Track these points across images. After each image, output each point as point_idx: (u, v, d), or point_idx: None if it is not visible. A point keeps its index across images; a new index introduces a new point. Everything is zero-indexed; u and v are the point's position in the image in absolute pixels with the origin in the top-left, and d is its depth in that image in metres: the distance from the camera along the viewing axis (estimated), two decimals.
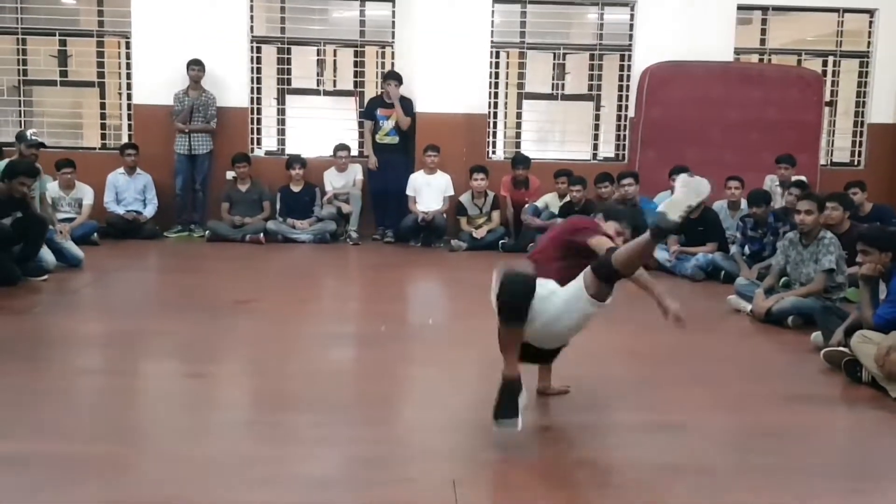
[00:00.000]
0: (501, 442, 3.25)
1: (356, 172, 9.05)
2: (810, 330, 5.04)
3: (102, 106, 9.53)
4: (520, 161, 8.86)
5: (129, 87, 9.36)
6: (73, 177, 8.29)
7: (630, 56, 9.44)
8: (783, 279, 5.78)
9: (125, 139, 9.34)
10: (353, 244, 8.66)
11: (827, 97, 9.51)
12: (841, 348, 4.38)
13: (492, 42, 9.31)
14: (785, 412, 3.82)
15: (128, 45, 9.27)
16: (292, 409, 3.65)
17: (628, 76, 9.45)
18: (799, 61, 9.76)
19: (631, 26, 9.45)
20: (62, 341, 4.80)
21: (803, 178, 8.14)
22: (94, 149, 9.51)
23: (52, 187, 8.12)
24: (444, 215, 8.74)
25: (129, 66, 9.30)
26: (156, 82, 9.01)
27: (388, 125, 8.92)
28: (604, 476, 2.99)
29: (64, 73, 9.46)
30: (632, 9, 9.40)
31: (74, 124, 10.43)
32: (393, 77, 8.89)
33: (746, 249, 6.86)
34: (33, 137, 7.32)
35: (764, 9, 9.54)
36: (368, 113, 9.03)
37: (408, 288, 7.24)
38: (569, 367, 4.02)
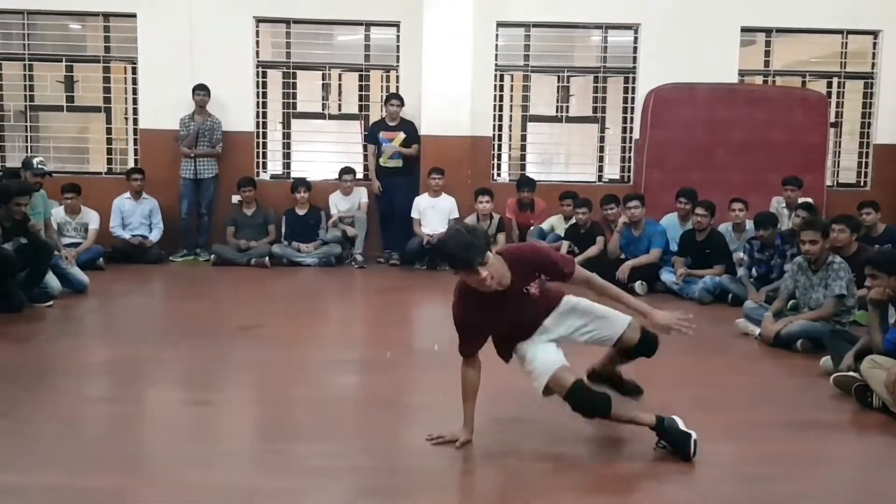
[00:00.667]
0: (510, 473, 3.22)
1: (361, 196, 9.06)
2: (819, 354, 4.99)
3: (109, 131, 9.57)
4: (525, 183, 8.85)
5: (135, 111, 9.41)
6: (78, 202, 8.30)
7: (634, 78, 9.46)
8: (791, 302, 5.74)
9: (131, 164, 9.38)
10: (358, 267, 8.65)
11: (832, 118, 9.50)
12: (851, 373, 4.33)
13: (496, 65, 9.34)
14: (794, 438, 3.77)
15: (134, 71, 9.33)
16: (297, 438, 3.62)
17: (633, 98, 9.47)
18: (803, 83, 9.76)
19: (635, 48, 9.47)
20: (66, 369, 4.79)
21: (810, 199, 8.13)
22: (101, 173, 9.55)
23: (57, 212, 8.14)
24: None
25: (135, 91, 9.36)
26: (162, 107, 9.06)
27: (390, 148, 8.94)
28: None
29: (70, 99, 9.52)
30: (635, 31, 9.43)
31: (80, 149, 10.47)
32: (395, 98, 8.95)
33: (754, 272, 6.81)
34: (40, 166, 7.35)
35: (768, 30, 9.56)
36: (371, 137, 9.06)
37: (413, 312, 7.21)
38: None
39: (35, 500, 2.90)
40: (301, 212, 8.92)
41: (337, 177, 9.06)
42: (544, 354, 3.46)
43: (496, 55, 9.32)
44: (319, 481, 3.16)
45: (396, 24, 9.34)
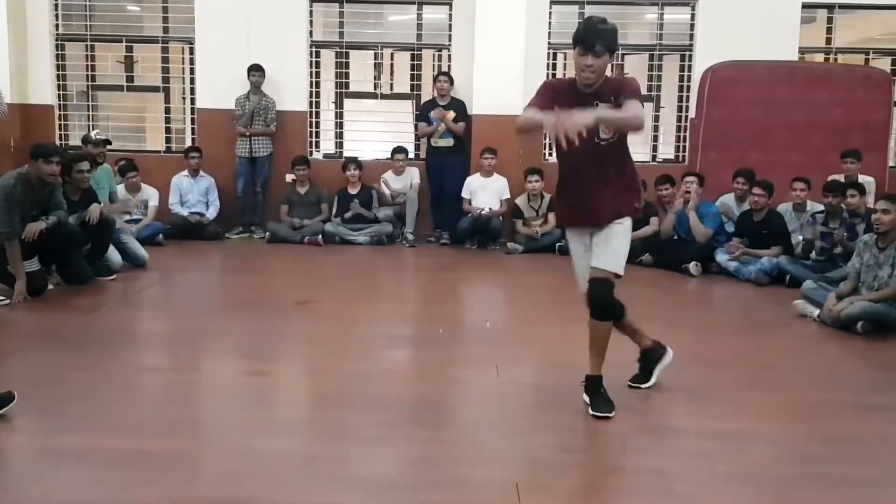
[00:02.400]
0: (563, 445, 3.24)
1: (413, 175, 9.10)
2: (881, 336, 4.88)
3: (167, 110, 9.77)
4: None
5: (192, 91, 9.58)
6: (138, 180, 8.50)
7: (691, 56, 9.29)
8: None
9: (188, 143, 9.57)
10: (409, 246, 8.70)
11: None
12: None
13: (549, 43, 9.26)
14: (852, 420, 3.70)
15: (191, 51, 9.49)
16: (352, 408, 3.67)
17: (689, 77, 9.30)
18: (866, 60, 9.48)
19: (692, 26, 9.30)
20: (129, 339, 4.94)
21: (871, 178, 7.92)
22: (159, 152, 9.76)
23: (118, 190, 8.34)
24: (501, 218, 8.72)
25: (192, 71, 9.52)
26: (218, 87, 9.21)
27: (442, 128, 8.94)
28: (668, 483, 2.93)
29: (130, 79, 9.73)
30: (693, 8, 9.25)
31: (139, 128, 10.71)
32: (443, 75, 8.94)
33: (817, 245, 6.69)
34: (98, 136, 7.51)
35: (830, 6, 9.29)
36: (423, 115, 9.08)
37: (464, 290, 7.24)
38: (632, 370, 3.97)
39: (101, 461, 3.00)
40: (353, 191, 8.99)
41: (389, 156, 9.11)
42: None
43: (549, 33, 9.24)
44: (374, 449, 3.21)
45: (449, 3, 9.32)
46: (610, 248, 3.52)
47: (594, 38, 3.34)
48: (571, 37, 3.42)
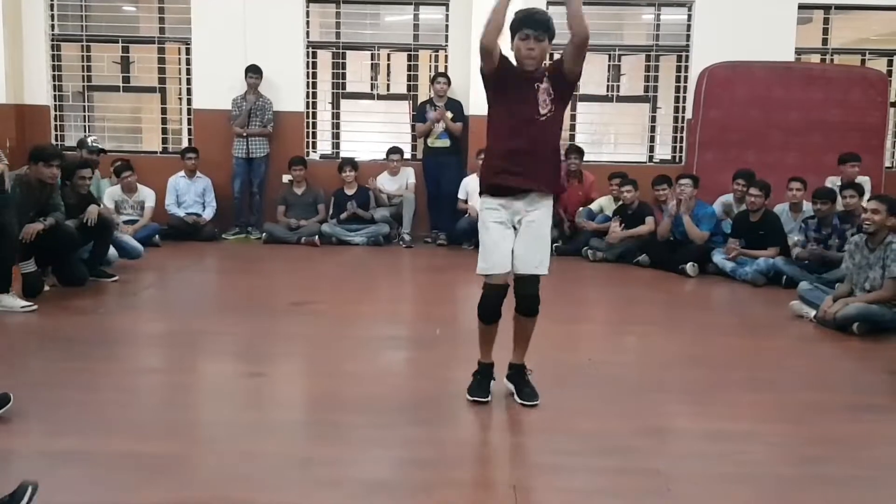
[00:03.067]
0: (560, 446, 3.24)
1: (408, 176, 9.10)
2: (877, 337, 4.89)
3: (163, 111, 9.75)
4: (572, 151, 8.79)
5: (189, 92, 9.56)
6: (134, 180, 8.49)
7: (687, 57, 9.31)
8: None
9: (185, 143, 9.56)
10: (405, 247, 8.70)
11: (892, 97, 9.23)
12: None
13: None
14: (849, 421, 3.71)
15: (188, 52, 9.48)
16: (349, 410, 3.67)
17: (686, 77, 9.32)
18: (863, 61, 9.49)
19: (688, 26, 9.31)
20: (126, 340, 4.93)
21: (867, 178, 7.93)
22: (155, 152, 9.75)
23: (114, 190, 8.35)
24: None
25: (188, 71, 9.51)
26: (215, 87, 9.20)
27: (438, 128, 8.95)
28: (665, 483, 2.94)
29: (126, 79, 9.71)
30: (689, 9, 9.26)
31: (135, 128, 10.69)
32: (442, 76, 8.94)
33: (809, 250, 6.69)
34: (94, 144, 7.51)
35: (826, 7, 9.31)
36: (419, 116, 9.08)
37: (461, 291, 7.22)
38: (630, 371, 3.98)
39: (98, 464, 3.00)
40: (349, 191, 8.98)
41: (384, 157, 9.11)
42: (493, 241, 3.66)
43: None
44: (370, 450, 3.21)
45: (446, 3, 9.32)
46: (540, 250, 3.62)
47: (535, 25, 3.59)
48: (509, 25, 3.63)
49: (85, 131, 9.40)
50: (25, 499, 2.50)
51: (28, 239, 5.59)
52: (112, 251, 6.68)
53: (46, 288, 5.89)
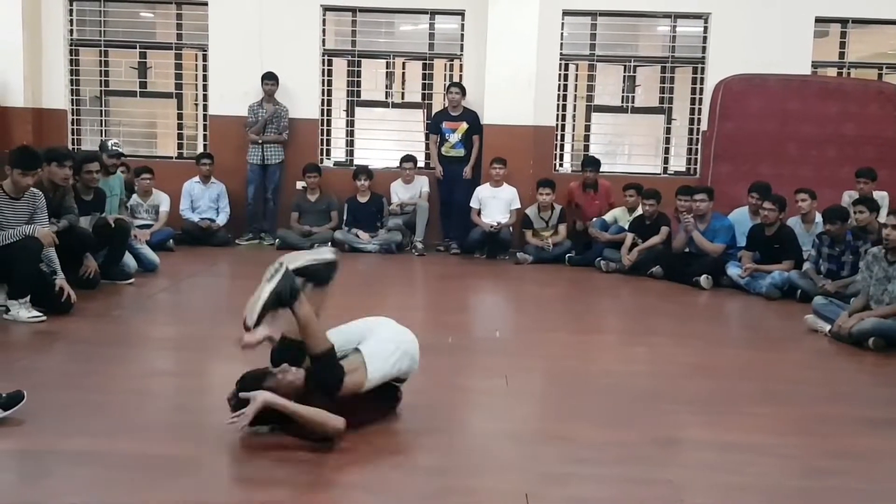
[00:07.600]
0: (573, 455, 3.22)
1: (422, 184, 9.11)
2: (893, 352, 4.84)
3: (180, 116, 9.82)
4: (589, 163, 8.81)
5: (205, 98, 9.62)
6: (152, 183, 8.53)
7: (703, 69, 9.29)
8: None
9: (200, 149, 9.61)
10: (418, 255, 8.70)
11: None
12: None
13: (561, 54, 9.28)
14: (864, 434, 3.67)
15: (205, 58, 9.54)
16: None
17: (701, 89, 9.30)
18: (880, 75, 9.45)
19: (704, 38, 9.30)
20: (139, 343, 4.95)
21: (885, 192, 7.86)
22: (171, 158, 9.80)
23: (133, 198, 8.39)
24: (511, 229, 8.71)
25: (205, 77, 9.57)
26: (230, 94, 9.26)
27: (453, 138, 8.96)
28: (676, 494, 2.91)
29: (143, 84, 9.78)
30: (705, 21, 9.26)
31: (152, 134, 10.76)
32: (455, 86, 8.96)
33: (822, 268, 6.63)
34: (115, 147, 7.56)
35: (843, 21, 9.28)
36: (434, 126, 9.09)
37: (474, 299, 7.23)
38: (643, 381, 3.95)
39: (109, 465, 3.00)
40: (363, 199, 9.00)
41: (398, 165, 9.13)
42: None
43: (561, 44, 9.26)
44: (383, 457, 3.19)
45: (461, 13, 9.35)
46: None
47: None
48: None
49: (102, 135, 9.46)
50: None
51: (49, 244, 5.48)
52: (132, 262, 6.70)
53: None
